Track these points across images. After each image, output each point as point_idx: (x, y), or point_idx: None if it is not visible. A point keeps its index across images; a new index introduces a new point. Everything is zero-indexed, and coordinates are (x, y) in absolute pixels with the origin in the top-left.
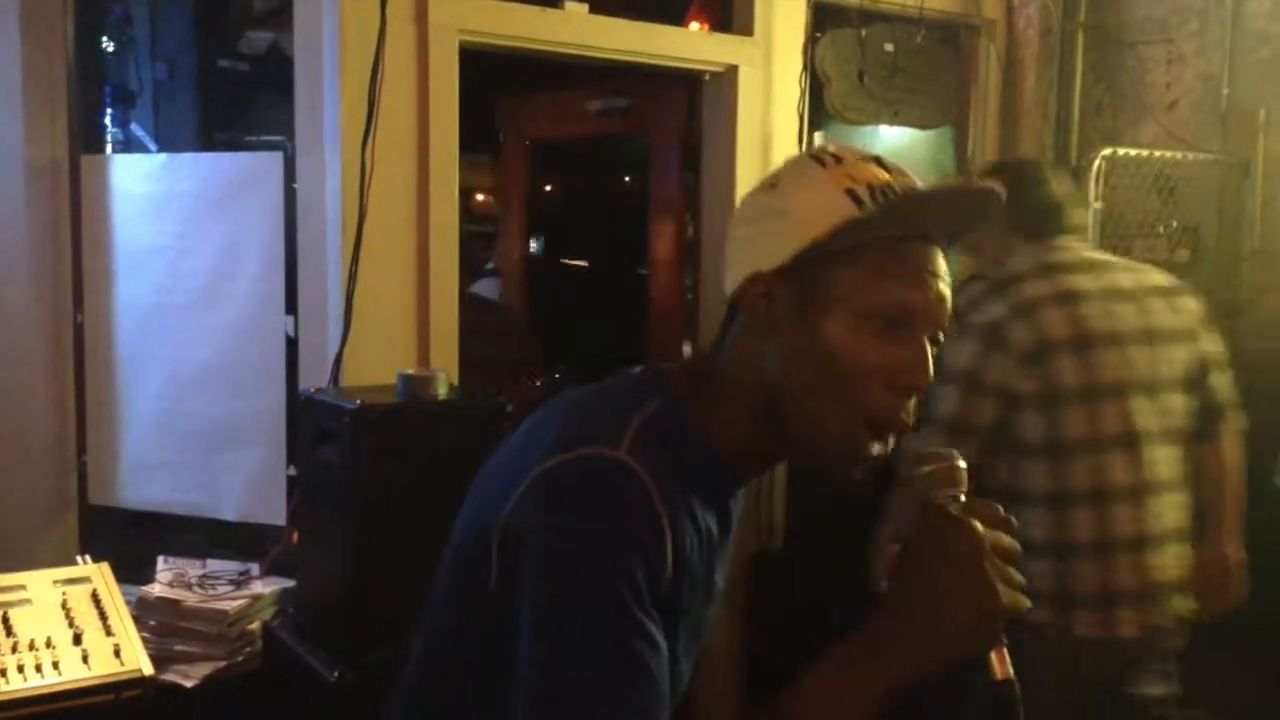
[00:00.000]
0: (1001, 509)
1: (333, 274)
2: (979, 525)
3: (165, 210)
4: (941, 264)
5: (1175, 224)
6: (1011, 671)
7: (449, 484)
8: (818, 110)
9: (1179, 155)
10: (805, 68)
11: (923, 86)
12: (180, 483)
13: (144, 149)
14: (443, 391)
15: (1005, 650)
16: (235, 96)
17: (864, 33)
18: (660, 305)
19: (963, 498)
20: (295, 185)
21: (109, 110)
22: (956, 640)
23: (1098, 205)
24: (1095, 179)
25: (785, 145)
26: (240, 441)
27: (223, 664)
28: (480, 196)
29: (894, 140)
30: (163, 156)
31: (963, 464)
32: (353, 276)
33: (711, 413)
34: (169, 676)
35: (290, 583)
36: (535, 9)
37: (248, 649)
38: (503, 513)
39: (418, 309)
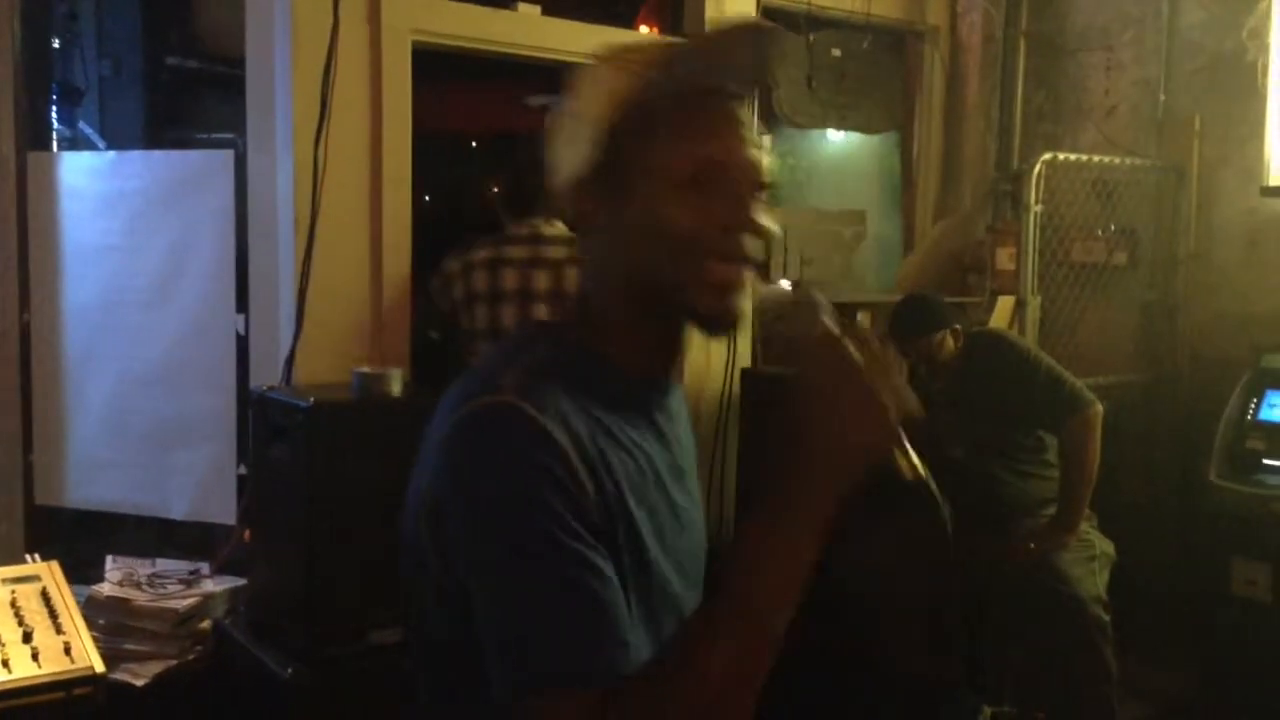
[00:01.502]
0: (871, 332)
1: (284, 272)
2: (848, 342)
3: (114, 208)
4: (739, 114)
5: (1113, 227)
6: (921, 469)
7: (403, 481)
8: (767, 114)
9: (1117, 160)
10: None
11: (869, 91)
12: (129, 482)
13: (91, 146)
14: (397, 389)
15: (909, 450)
16: (184, 93)
17: (812, 38)
18: None
19: (829, 324)
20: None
21: (55, 107)
22: (858, 451)
23: (1038, 208)
24: (1036, 183)
25: None
26: (190, 440)
27: (173, 662)
28: None
29: (841, 144)
30: (111, 154)
31: (821, 298)
32: (305, 274)
33: (598, 331)
34: (119, 675)
35: (241, 581)
36: (488, 10)
37: (199, 647)
38: (422, 492)
39: (371, 307)
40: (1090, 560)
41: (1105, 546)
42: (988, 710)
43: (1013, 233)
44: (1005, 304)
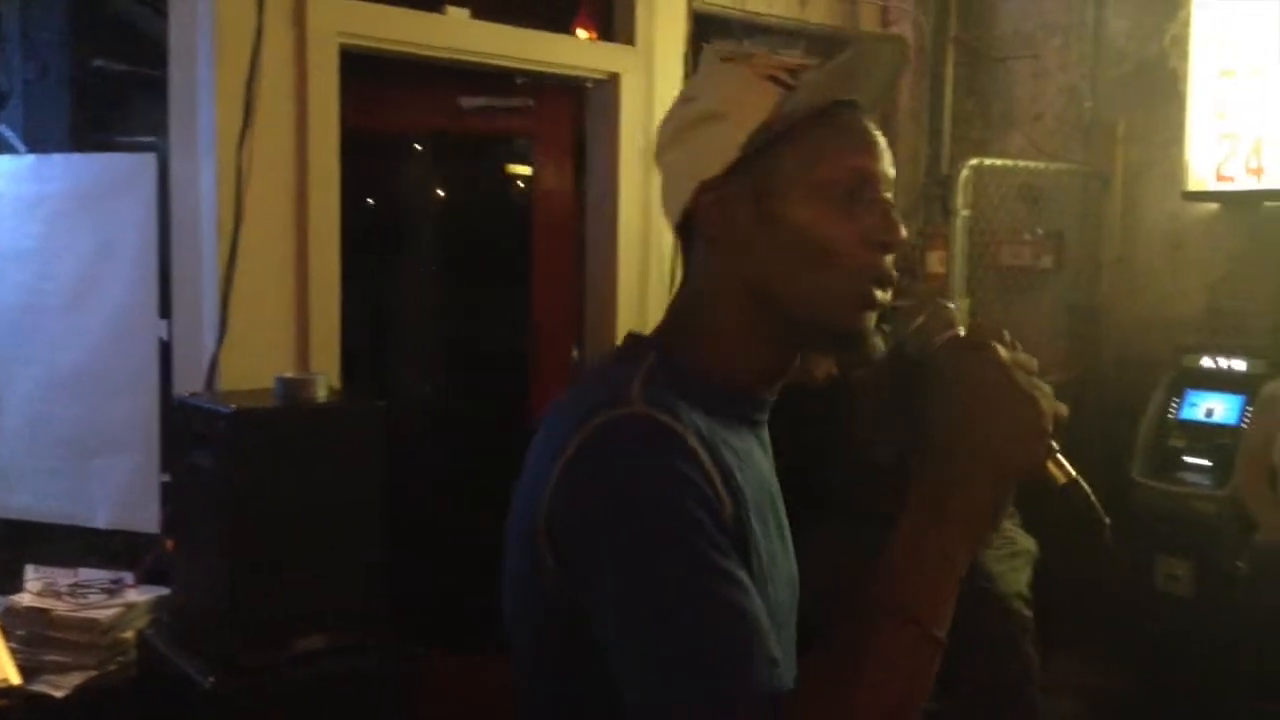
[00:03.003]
0: (1006, 332)
1: (208, 277)
2: (997, 346)
3: (34, 211)
4: (873, 126)
5: (1040, 231)
6: (1073, 471)
7: (328, 487)
8: None
9: (1043, 165)
10: (686, 76)
11: None
12: (50, 490)
13: (12, 151)
14: (322, 394)
15: (1059, 454)
16: (111, 97)
17: (745, 44)
18: (548, 314)
19: (963, 332)
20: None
21: None
22: (1013, 460)
23: (966, 213)
24: (963, 187)
25: None
26: (112, 448)
27: (94, 673)
28: None
29: None
30: (31, 158)
31: (951, 304)
32: (228, 279)
33: (706, 348)
34: (38, 687)
35: (165, 591)
36: (416, 13)
37: (120, 658)
38: (541, 511)
39: (296, 312)
40: (1013, 557)
41: (1027, 544)
42: None
43: (943, 236)
44: None
